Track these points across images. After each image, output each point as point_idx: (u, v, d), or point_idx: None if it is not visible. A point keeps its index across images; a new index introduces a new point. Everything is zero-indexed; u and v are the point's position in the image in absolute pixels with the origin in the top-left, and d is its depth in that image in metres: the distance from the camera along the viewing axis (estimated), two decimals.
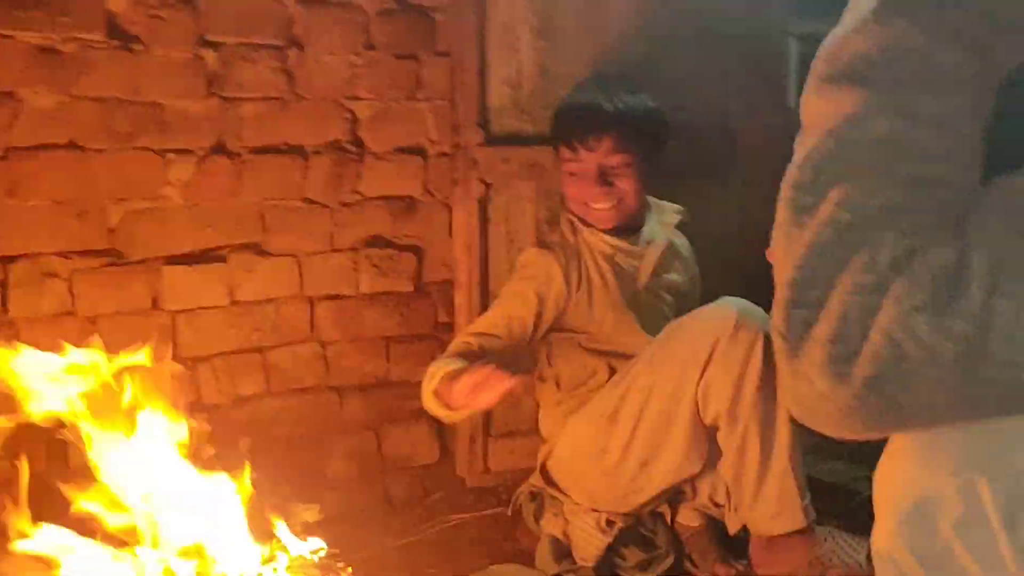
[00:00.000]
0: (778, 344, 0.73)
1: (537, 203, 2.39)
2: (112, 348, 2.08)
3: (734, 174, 2.54)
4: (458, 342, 1.99)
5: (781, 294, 0.73)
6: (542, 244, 2.08)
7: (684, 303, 2.17)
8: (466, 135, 2.32)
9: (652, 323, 2.05)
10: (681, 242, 2.21)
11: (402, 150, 2.38)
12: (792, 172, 0.74)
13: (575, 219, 2.08)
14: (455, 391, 1.79)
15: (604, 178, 2.01)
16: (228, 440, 2.24)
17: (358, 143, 2.33)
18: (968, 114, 0.71)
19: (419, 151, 2.40)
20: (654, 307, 2.11)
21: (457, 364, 1.85)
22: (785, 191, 0.74)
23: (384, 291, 2.40)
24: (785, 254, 0.73)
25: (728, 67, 2.53)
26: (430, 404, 1.89)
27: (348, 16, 2.28)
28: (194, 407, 2.20)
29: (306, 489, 2.32)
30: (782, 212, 0.74)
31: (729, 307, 1.89)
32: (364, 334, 2.40)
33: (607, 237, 2.05)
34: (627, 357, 2.00)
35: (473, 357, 1.88)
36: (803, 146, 0.75)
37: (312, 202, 2.30)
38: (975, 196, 0.71)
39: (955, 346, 0.64)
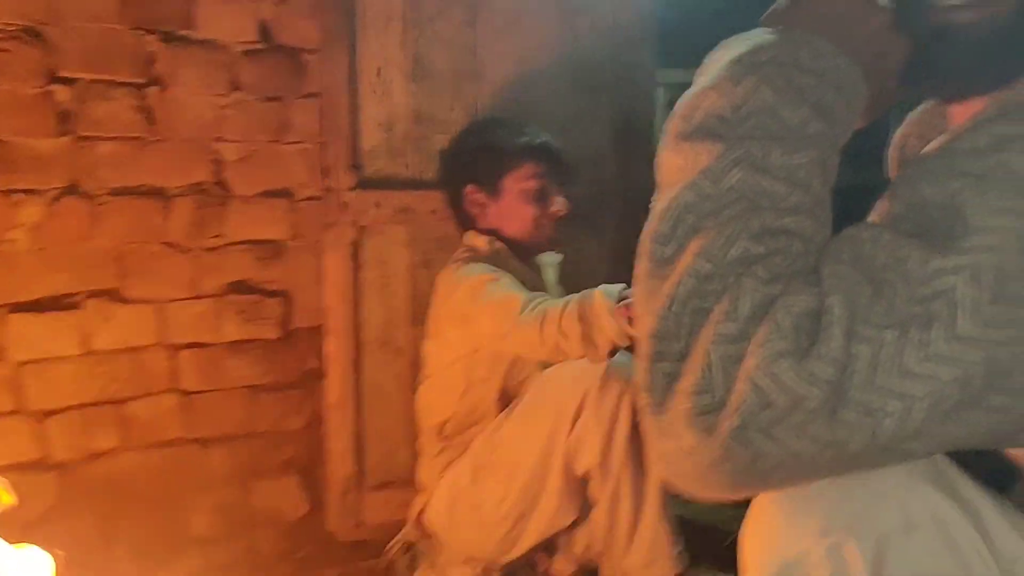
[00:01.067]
0: (642, 400, 0.71)
1: (411, 248, 2.36)
2: None
3: (605, 220, 2.57)
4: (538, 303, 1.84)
5: (644, 348, 0.72)
6: (476, 259, 2.04)
7: None
8: (337, 178, 2.27)
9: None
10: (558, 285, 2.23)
11: (269, 193, 2.32)
12: (651, 224, 0.74)
13: (500, 244, 2.07)
14: None
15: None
16: (81, 500, 2.11)
17: (223, 185, 2.26)
18: (817, 169, 0.73)
19: (287, 194, 2.34)
20: None
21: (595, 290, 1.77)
22: (644, 243, 0.74)
23: (249, 338, 2.32)
24: (646, 307, 0.72)
25: (599, 115, 2.57)
26: (617, 330, 1.72)
27: (213, 56, 2.22)
28: (41, 465, 2.07)
29: (168, 547, 2.21)
30: (642, 264, 0.74)
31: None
32: (229, 383, 2.30)
33: (520, 265, 2.07)
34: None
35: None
36: (661, 199, 0.75)
37: (173, 246, 2.20)
38: (828, 246, 0.72)
39: (819, 391, 0.64)
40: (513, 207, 2.06)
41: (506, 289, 1.90)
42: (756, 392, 0.65)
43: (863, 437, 0.65)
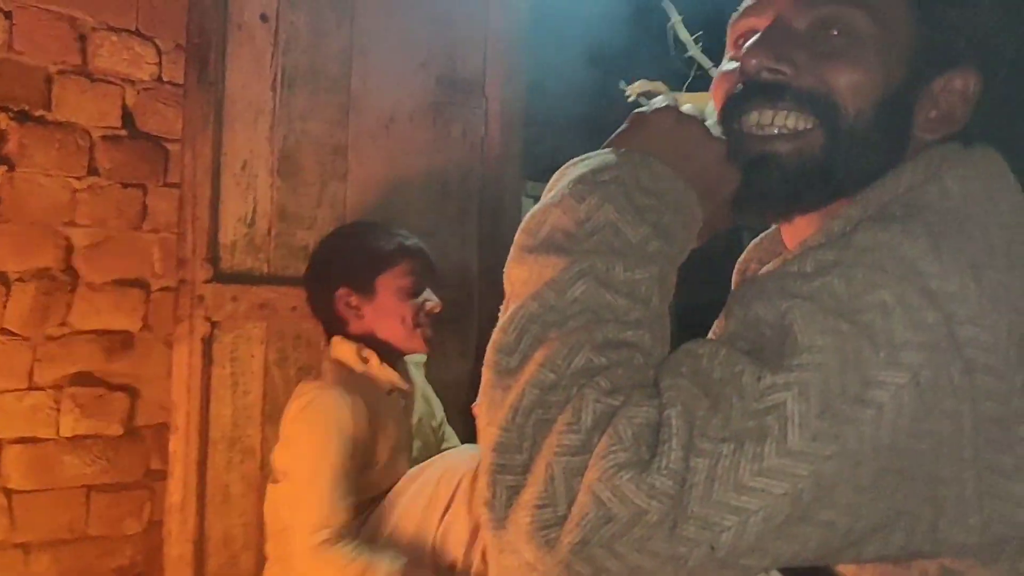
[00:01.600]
0: (484, 516, 0.70)
1: (267, 345, 2.29)
2: None
3: (470, 322, 2.58)
4: (347, 548, 1.82)
5: (486, 460, 0.70)
6: (320, 380, 1.98)
7: (440, 436, 2.19)
8: (193, 270, 2.20)
9: (424, 459, 2.02)
10: (426, 381, 2.22)
11: (122, 282, 2.23)
12: (496, 335, 0.74)
13: (369, 352, 2.00)
14: None
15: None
16: None
17: (71, 272, 2.16)
18: (657, 286, 0.75)
19: (141, 284, 2.26)
20: (426, 443, 2.10)
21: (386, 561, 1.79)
22: (489, 354, 0.74)
23: (89, 434, 2.19)
24: (490, 418, 0.72)
25: (466, 221, 2.61)
26: None
27: (70, 138, 2.15)
28: None
29: None
30: (487, 375, 0.73)
31: (469, 454, 1.89)
32: (61, 482, 2.16)
33: (391, 372, 2.02)
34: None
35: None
36: (507, 311, 0.75)
37: (10, 333, 2.08)
38: (667, 360, 0.73)
39: (659, 504, 0.64)
40: (389, 305, 2.02)
41: (329, 486, 1.85)
42: (598, 505, 0.64)
43: (702, 552, 0.65)
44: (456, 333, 2.58)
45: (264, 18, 2.26)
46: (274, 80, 2.28)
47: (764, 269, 0.90)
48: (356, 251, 2.06)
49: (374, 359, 2.01)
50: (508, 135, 2.67)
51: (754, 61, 0.84)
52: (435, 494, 1.85)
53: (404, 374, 2.10)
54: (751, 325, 0.73)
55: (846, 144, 0.83)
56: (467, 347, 2.60)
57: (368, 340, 2.02)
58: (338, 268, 2.05)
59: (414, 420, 2.09)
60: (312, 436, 1.90)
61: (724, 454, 0.65)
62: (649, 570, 0.65)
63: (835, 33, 0.83)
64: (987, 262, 0.71)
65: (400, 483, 1.92)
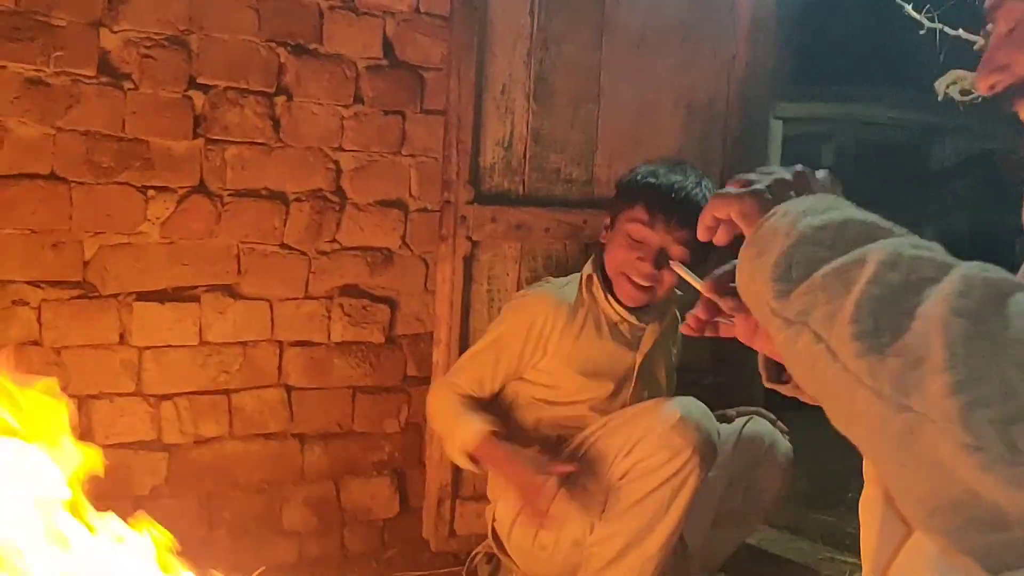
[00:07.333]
0: (975, 459, 0.61)
1: (521, 264, 2.40)
2: (74, 380, 2.07)
3: (710, 256, 2.56)
4: (461, 396, 2.03)
5: (953, 406, 0.61)
6: (549, 288, 2.08)
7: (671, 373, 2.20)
8: (456, 192, 2.32)
9: (634, 399, 2.04)
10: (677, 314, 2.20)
11: (383, 203, 2.40)
12: (845, 330, 0.69)
13: (598, 280, 2.04)
14: (513, 481, 1.92)
15: (659, 261, 1.94)
16: (186, 480, 2.22)
17: (340, 193, 2.35)
18: None
19: (400, 205, 2.42)
20: (642, 384, 2.09)
21: (479, 420, 1.94)
22: (852, 347, 0.68)
23: (355, 341, 2.40)
24: (919, 378, 0.64)
25: (712, 143, 2.57)
26: (457, 457, 1.98)
27: (338, 69, 2.31)
28: (153, 445, 2.19)
29: (261, 536, 2.30)
30: (863, 366, 0.67)
31: (674, 408, 1.86)
32: (331, 383, 2.38)
33: (618, 307, 2.03)
34: (578, 428, 1.98)
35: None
36: (844, 311, 0.70)
37: (289, 248, 2.30)
38: None
39: None
40: (612, 245, 2.02)
41: (478, 358, 2.09)
42: None
43: None
44: (697, 262, 2.57)
45: None
46: (532, 4, 2.33)
47: None
48: (625, 181, 2.05)
49: (598, 291, 2.03)
50: (758, 55, 2.59)
51: None
52: (625, 443, 1.87)
53: (649, 311, 2.07)
54: None
55: None
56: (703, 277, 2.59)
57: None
58: (615, 193, 2.09)
59: (640, 354, 2.06)
60: (498, 323, 2.09)
61: None
62: None
63: None
64: None
65: (594, 430, 1.96)
